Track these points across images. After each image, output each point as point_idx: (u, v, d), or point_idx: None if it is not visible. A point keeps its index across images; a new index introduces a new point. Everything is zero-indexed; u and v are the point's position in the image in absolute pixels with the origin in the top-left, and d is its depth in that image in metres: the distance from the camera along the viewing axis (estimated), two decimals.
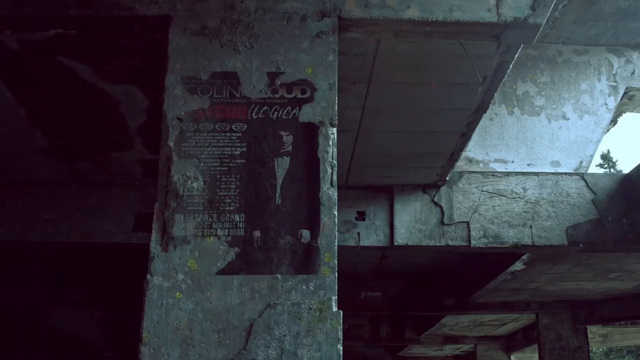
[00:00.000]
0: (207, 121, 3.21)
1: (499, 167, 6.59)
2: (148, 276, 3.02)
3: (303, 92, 3.27)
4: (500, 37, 3.58)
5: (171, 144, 3.17)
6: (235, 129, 3.20)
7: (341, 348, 2.96)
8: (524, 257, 7.46)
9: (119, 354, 11.00)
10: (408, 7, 3.45)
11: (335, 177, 3.20)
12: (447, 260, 9.46)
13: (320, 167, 3.17)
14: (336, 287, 3.05)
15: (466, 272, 9.56)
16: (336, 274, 3.06)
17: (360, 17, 3.43)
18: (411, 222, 6.47)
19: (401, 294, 10.31)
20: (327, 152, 3.20)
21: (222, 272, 3.00)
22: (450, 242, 6.39)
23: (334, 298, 3.01)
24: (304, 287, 3.01)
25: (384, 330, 12.98)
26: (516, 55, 4.68)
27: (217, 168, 3.14)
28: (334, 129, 3.24)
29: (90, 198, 6.56)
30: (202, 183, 3.12)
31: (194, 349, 2.93)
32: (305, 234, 3.08)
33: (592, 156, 6.73)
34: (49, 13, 3.43)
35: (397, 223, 6.46)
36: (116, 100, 5.27)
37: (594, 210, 6.48)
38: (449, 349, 16.81)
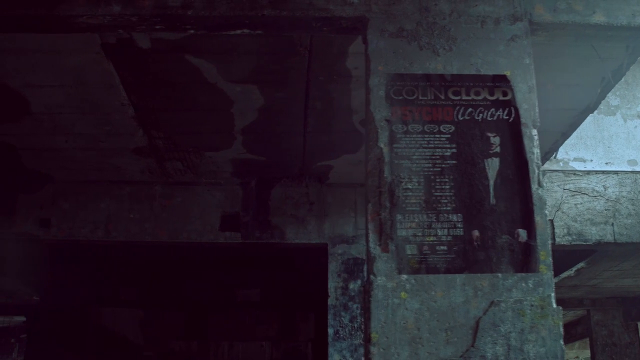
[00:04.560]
0: (414, 122, 3.24)
1: (578, 166, 6.74)
2: (371, 277, 3.04)
3: (504, 94, 3.33)
4: None
5: (382, 145, 3.20)
6: (444, 131, 3.24)
7: (563, 343, 3.04)
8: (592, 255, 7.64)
9: (156, 352, 10.95)
10: (594, 13, 3.53)
11: (541, 178, 3.28)
12: None
13: (529, 168, 3.24)
14: (553, 284, 3.14)
15: None
16: (552, 272, 3.14)
17: (549, 21, 3.50)
18: None
19: None
20: (533, 153, 3.27)
21: (445, 271, 3.05)
22: None
23: (553, 295, 3.09)
24: (523, 284, 3.08)
25: None
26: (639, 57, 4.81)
27: (430, 169, 3.18)
28: (536, 131, 3.32)
29: (175, 197, 6.51)
30: (416, 184, 3.16)
31: (423, 348, 2.97)
32: (522, 233, 3.15)
33: None
34: (242, 13, 3.42)
35: None
36: (231, 99, 5.26)
37: None
38: None
